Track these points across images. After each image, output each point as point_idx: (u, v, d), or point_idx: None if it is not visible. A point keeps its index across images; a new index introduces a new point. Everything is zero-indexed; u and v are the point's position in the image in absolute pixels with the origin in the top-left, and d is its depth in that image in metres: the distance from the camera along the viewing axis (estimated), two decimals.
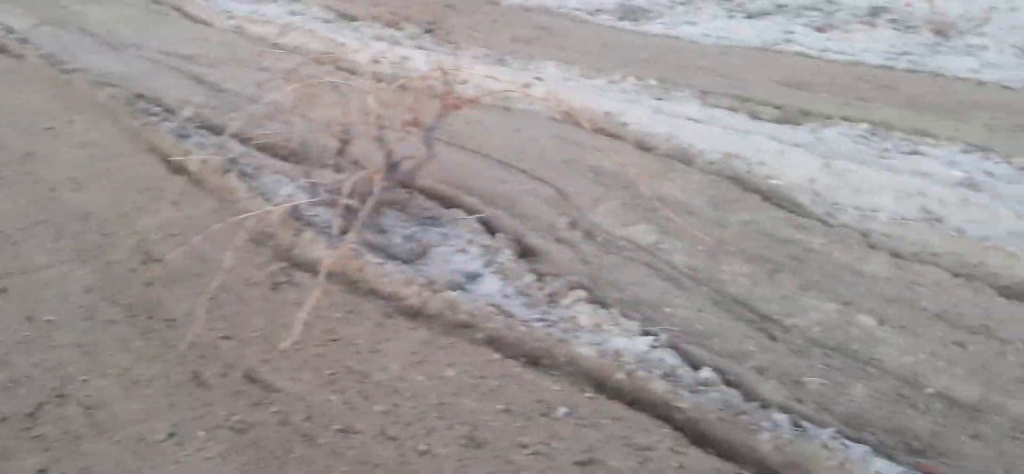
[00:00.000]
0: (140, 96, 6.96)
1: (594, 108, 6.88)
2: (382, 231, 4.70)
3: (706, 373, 3.57)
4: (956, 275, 4.48)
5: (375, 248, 4.50)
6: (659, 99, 7.34)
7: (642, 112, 6.80)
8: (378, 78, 7.12)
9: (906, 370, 3.73)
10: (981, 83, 7.64)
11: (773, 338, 3.92)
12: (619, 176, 5.59)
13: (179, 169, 5.46)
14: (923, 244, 4.86)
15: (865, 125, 6.59)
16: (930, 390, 3.62)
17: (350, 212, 4.59)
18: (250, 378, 3.47)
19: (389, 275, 4.17)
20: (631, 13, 10.44)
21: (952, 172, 5.76)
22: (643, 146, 6.35)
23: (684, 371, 3.60)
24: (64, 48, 8.51)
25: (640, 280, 4.38)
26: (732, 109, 7.08)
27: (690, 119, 6.75)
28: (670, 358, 3.67)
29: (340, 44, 8.69)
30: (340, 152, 5.06)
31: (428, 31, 9.57)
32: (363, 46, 8.66)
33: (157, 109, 6.62)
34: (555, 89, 7.33)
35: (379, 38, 9.23)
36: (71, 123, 6.29)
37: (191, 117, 6.29)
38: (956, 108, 6.89)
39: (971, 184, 5.59)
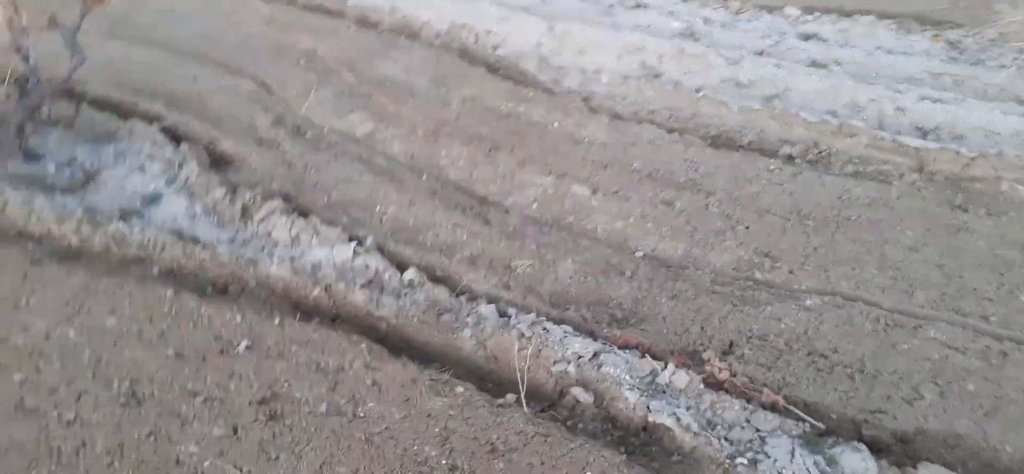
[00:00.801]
0: None
1: None
2: (35, 157, 3.92)
3: (411, 274, 3.28)
4: (670, 131, 4.50)
5: (24, 180, 3.74)
6: None
7: None
8: None
9: (616, 236, 3.68)
10: None
11: (487, 223, 3.71)
12: (334, 60, 5.08)
13: None
14: (641, 102, 4.84)
15: None
16: (639, 254, 3.58)
17: None
18: None
19: (38, 212, 3.47)
20: None
21: (672, 23, 5.79)
22: (365, 22, 5.85)
23: (390, 275, 3.30)
24: None
25: (350, 177, 3.99)
26: None
27: None
28: (375, 262, 3.35)
29: None
30: None
31: None
32: None
33: None
34: None
35: None
36: None
37: None
38: None
39: (689, 34, 5.66)
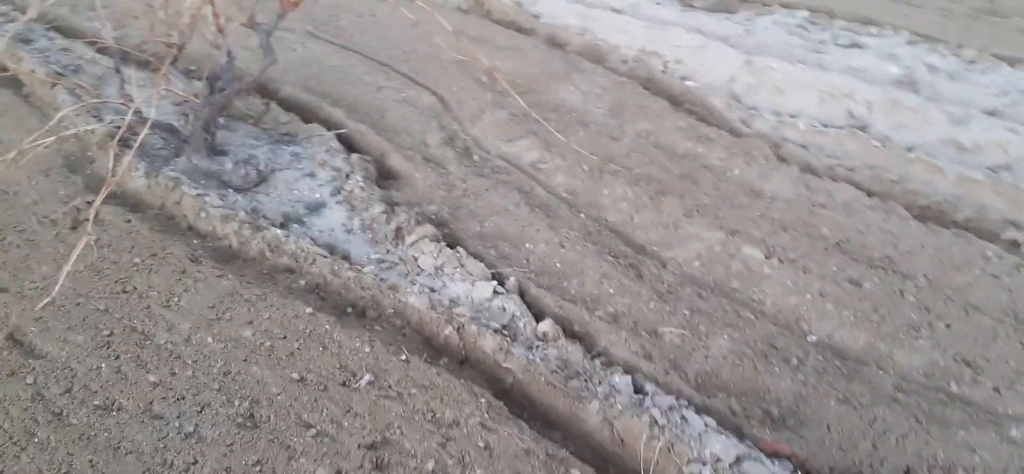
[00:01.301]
0: None
1: None
2: (219, 152, 4.11)
3: (547, 325, 3.07)
4: (870, 195, 3.95)
5: (204, 174, 3.93)
6: None
7: (559, 2, 6.09)
8: None
9: (786, 314, 3.24)
10: None
11: (640, 277, 3.41)
12: (513, 79, 4.97)
13: (12, 80, 4.81)
14: (840, 157, 4.30)
15: (804, 13, 5.90)
16: (810, 339, 3.13)
17: (172, 133, 4.03)
18: (14, 340, 2.97)
19: (208, 208, 3.62)
20: None
21: (889, 68, 5.13)
22: (554, 41, 5.69)
23: (525, 323, 3.11)
24: None
25: (507, 208, 3.83)
26: None
27: (612, 9, 6.04)
28: (513, 306, 3.17)
29: None
30: (174, 60, 4.41)
31: None
32: None
33: (6, 8, 5.88)
34: None
35: None
36: None
37: (38, 18, 5.57)
38: None
39: (908, 82, 4.98)
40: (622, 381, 2.81)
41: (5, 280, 3.25)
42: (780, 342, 3.09)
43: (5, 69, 4.93)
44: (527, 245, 3.58)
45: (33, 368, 2.84)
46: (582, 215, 3.83)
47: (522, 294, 3.27)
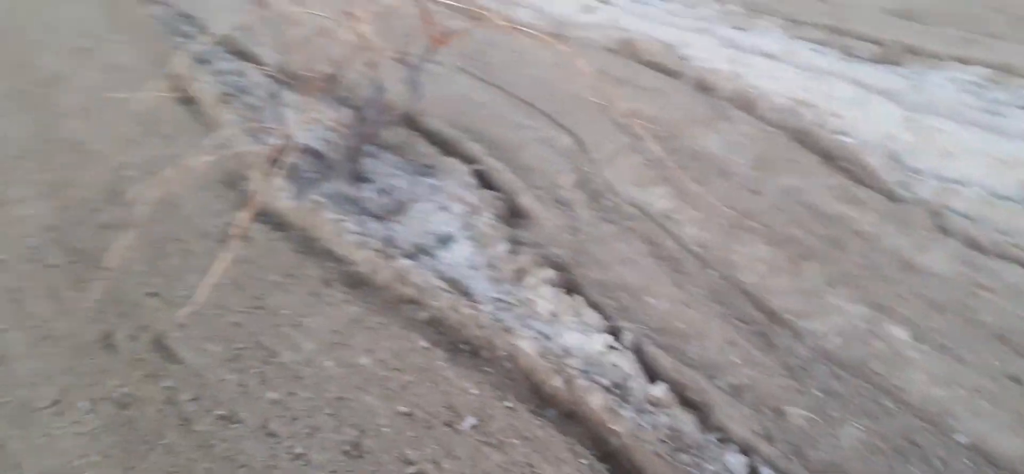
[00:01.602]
0: (184, 15, 6.81)
1: (656, 38, 6.07)
2: (363, 180, 4.27)
3: (660, 390, 2.94)
4: None
5: (346, 200, 4.10)
6: (738, 28, 6.37)
7: (710, 45, 5.92)
8: None
9: (933, 407, 2.94)
10: None
11: (770, 347, 3.21)
12: (654, 123, 4.87)
13: (187, 98, 5.24)
14: (1011, 233, 3.89)
15: (981, 69, 5.40)
16: (959, 439, 2.83)
17: (320, 158, 4.22)
18: (158, 345, 3.20)
19: (344, 234, 3.76)
20: None
21: None
22: (702, 86, 5.52)
23: (637, 383, 2.99)
24: None
25: (632, 258, 3.74)
26: (822, 43, 6.02)
27: (766, 55, 5.80)
28: (627, 364, 3.07)
29: None
30: (328, 88, 4.63)
31: None
32: None
33: (192, 30, 6.43)
34: (618, 14, 6.55)
35: None
36: (106, 43, 6.22)
37: (220, 41, 6.05)
38: None
39: None
40: (737, 461, 2.65)
41: (159, 286, 3.52)
42: (922, 439, 2.81)
43: (184, 88, 5.40)
44: (649, 299, 3.47)
45: (170, 373, 3.05)
46: (712, 272, 3.67)
47: (638, 352, 3.16)
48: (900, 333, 3.24)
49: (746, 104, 5.22)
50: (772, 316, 3.40)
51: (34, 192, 4.24)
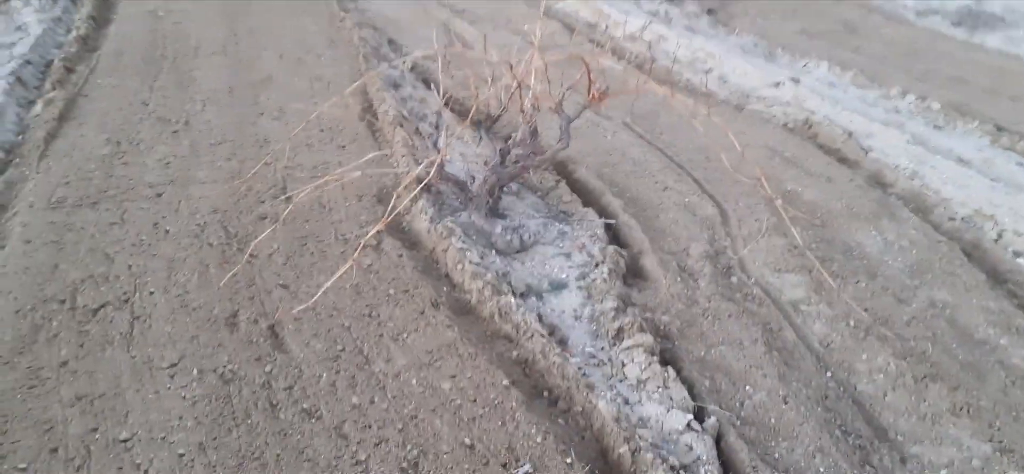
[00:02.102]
0: (391, 41, 7.40)
1: (840, 124, 5.77)
2: (497, 215, 4.42)
3: None
4: None
5: (476, 231, 4.26)
6: (935, 127, 5.89)
7: (895, 139, 5.52)
8: (617, 54, 6.75)
9: None
10: None
11: (866, 464, 2.93)
12: (809, 210, 4.63)
13: (371, 114, 5.69)
14: None
15: None
16: None
17: (463, 189, 4.41)
18: (273, 332, 3.50)
19: (465, 263, 3.92)
20: (972, 19, 8.50)
21: None
22: (876, 180, 5.17)
23: (707, 470, 2.85)
24: None
25: (741, 341, 3.57)
26: None
27: (958, 160, 5.32)
28: (701, 448, 2.93)
29: (606, 14, 8.34)
30: (488, 127, 4.86)
31: (709, 12, 8.78)
32: (628, 20, 8.22)
33: (392, 55, 6.96)
34: (805, 94, 6.28)
35: (654, 14, 8.69)
36: (319, 56, 6.91)
37: (412, 68, 6.52)
38: None
39: None
40: None
41: (290, 279, 3.85)
42: None
43: (369, 105, 5.87)
44: (747, 387, 3.29)
45: (274, 359, 3.32)
46: (826, 374, 3.41)
47: (719, 439, 3.01)
48: None
49: (920, 207, 4.82)
50: (879, 433, 3.11)
51: (216, 176, 4.80)
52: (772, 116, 6.11)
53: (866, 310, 3.75)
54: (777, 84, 6.56)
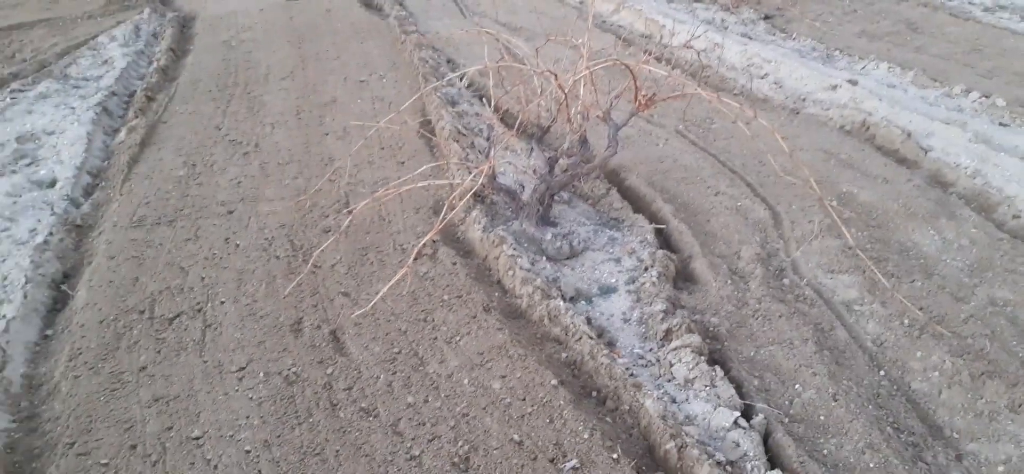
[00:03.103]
0: (449, 61, 7.61)
1: (898, 124, 5.68)
2: (548, 223, 4.53)
3: None
4: None
5: (527, 239, 4.37)
6: (1000, 124, 5.73)
7: (958, 138, 5.40)
8: (670, 62, 6.79)
9: None
10: None
11: (919, 461, 2.91)
12: (865, 212, 4.59)
13: (428, 130, 5.89)
14: None
15: None
16: None
17: (515, 198, 4.53)
18: (334, 337, 3.68)
19: (516, 269, 4.03)
20: None
21: None
22: (937, 179, 5.07)
23: (754, 465, 2.88)
24: (423, 11, 9.64)
25: (792, 341, 3.57)
26: None
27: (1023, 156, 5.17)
28: (748, 445, 2.96)
29: (660, 25, 8.38)
30: (540, 139, 4.98)
31: (766, 18, 8.73)
32: (683, 30, 8.23)
33: (450, 74, 7.16)
34: (863, 95, 6.20)
35: (709, 22, 8.68)
36: (381, 78, 7.16)
37: (469, 85, 6.71)
38: None
39: None
40: None
41: (351, 287, 4.04)
42: None
43: (428, 121, 6.06)
44: (796, 386, 3.30)
45: (335, 362, 3.50)
46: (879, 372, 3.39)
47: (766, 436, 3.04)
48: None
49: (983, 205, 4.71)
50: (934, 430, 3.08)
51: (283, 194, 5.05)
52: (829, 119, 6.05)
53: (921, 309, 3.71)
54: (834, 86, 6.49)
